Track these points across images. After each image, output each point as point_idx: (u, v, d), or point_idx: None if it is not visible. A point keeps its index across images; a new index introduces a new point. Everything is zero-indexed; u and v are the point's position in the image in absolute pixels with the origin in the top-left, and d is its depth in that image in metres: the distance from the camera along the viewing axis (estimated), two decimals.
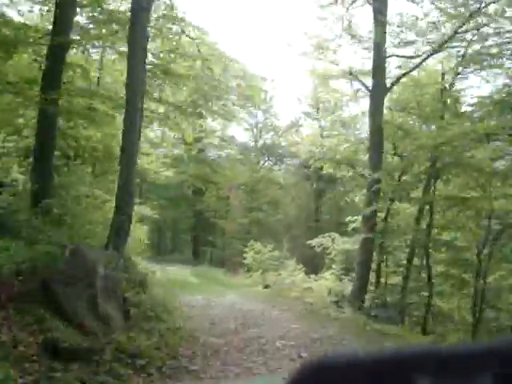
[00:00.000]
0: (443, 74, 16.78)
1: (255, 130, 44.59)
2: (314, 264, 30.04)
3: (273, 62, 74.32)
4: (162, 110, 21.00)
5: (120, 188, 11.56)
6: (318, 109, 40.12)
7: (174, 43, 18.58)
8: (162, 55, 18.85)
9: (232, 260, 37.89)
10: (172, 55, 19.43)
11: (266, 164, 44.94)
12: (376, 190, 14.47)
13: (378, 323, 12.19)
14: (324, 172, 39.06)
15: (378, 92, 15.15)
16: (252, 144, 44.56)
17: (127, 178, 11.66)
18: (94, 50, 17.71)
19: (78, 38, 14.39)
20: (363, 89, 16.65)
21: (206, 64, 20.86)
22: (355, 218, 17.66)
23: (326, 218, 40.71)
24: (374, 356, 0.77)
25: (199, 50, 21.98)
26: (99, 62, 19.08)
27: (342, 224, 24.75)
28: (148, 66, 15.80)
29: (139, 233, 22.86)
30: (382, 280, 15.93)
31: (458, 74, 16.74)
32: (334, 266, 20.58)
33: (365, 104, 21.67)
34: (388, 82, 15.54)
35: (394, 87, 16.21)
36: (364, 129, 20.41)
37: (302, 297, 14.76)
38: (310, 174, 40.70)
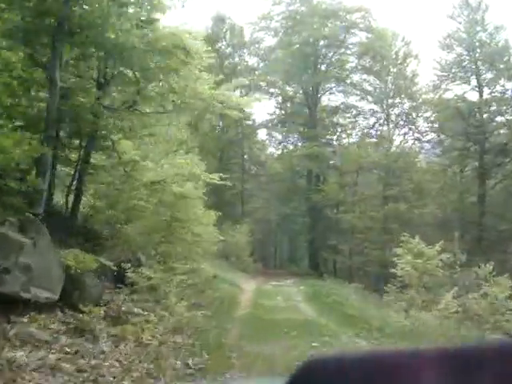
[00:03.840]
0: None
1: (385, 98, 33.66)
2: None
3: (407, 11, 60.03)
4: None
5: None
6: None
7: None
8: None
9: (366, 270, 27.38)
10: None
11: (403, 140, 33.68)
12: None
13: None
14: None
15: None
16: (382, 115, 33.65)
17: None
18: None
19: None
20: None
21: None
22: None
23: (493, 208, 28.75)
24: (375, 354, 0.75)
25: None
26: None
27: None
28: None
29: (208, 231, 13.47)
30: None
31: None
32: None
33: None
34: None
35: None
36: None
37: None
38: (469, 147, 29.12)
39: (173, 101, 9.47)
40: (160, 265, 8.77)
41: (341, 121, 34.43)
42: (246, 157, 35.40)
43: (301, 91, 34.00)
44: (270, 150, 37.69)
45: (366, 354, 0.76)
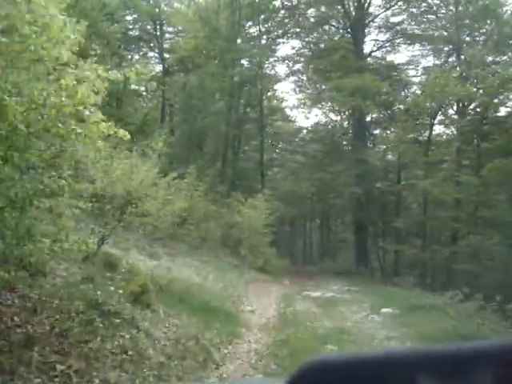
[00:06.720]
0: None
1: (458, 20, 23.34)
2: None
3: None
4: None
5: None
6: None
7: None
8: None
9: (450, 267, 17.14)
10: None
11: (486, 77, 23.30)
12: None
13: None
14: None
15: None
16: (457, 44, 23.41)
17: None
18: None
19: None
20: None
21: None
22: None
23: None
24: (374, 356, 0.74)
25: None
26: None
27: None
28: None
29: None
30: None
31: None
32: None
33: None
34: None
35: None
36: None
37: None
38: None
39: None
40: None
41: (398, 55, 24.39)
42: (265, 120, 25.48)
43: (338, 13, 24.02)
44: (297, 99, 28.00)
45: (366, 355, 0.74)
